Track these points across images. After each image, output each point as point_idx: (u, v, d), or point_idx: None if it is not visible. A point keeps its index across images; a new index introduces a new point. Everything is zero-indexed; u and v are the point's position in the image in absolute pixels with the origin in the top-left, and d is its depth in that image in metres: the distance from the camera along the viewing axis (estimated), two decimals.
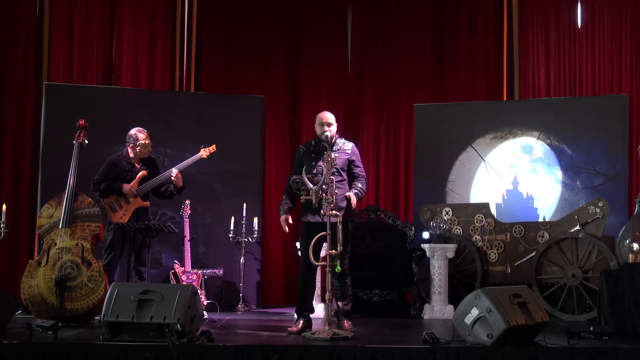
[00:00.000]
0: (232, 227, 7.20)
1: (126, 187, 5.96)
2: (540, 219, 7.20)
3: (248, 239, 7.26)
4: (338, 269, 4.97)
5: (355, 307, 5.84)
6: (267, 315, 6.91)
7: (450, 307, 6.41)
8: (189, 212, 6.71)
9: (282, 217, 5.52)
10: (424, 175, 7.74)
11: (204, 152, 6.34)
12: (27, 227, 7.49)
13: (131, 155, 6.10)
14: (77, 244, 5.68)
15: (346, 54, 8.53)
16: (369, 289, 6.81)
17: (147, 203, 6.11)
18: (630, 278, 5.37)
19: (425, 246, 6.64)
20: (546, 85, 8.11)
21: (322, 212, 5.08)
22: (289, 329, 5.37)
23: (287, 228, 5.56)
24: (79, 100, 7.18)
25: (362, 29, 8.54)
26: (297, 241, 5.90)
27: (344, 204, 5.34)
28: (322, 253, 5.46)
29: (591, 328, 4.89)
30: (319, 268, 5.92)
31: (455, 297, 6.49)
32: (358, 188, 5.40)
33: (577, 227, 6.55)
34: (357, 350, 4.52)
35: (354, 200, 5.32)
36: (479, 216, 6.97)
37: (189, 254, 6.61)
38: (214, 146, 6.38)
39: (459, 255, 6.82)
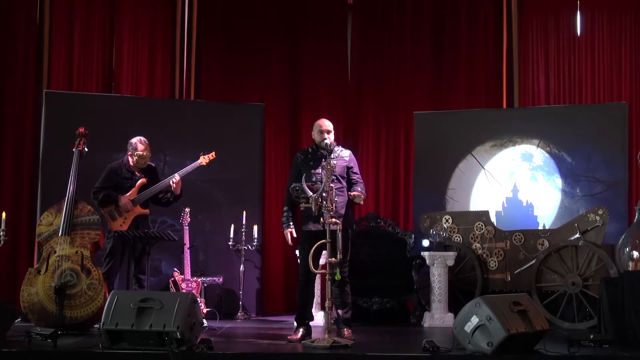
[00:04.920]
0: (231, 235, 7.20)
1: (122, 200, 5.96)
2: (540, 227, 7.20)
3: (248, 247, 7.26)
4: (338, 276, 4.97)
5: (355, 315, 5.85)
6: (266, 323, 6.91)
7: (450, 315, 6.41)
8: (189, 219, 6.71)
9: (286, 231, 5.51)
10: (423, 183, 7.75)
11: (203, 160, 6.34)
12: (27, 234, 7.51)
13: (131, 163, 6.11)
14: (76, 252, 5.69)
15: (346, 62, 8.56)
16: (368, 297, 6.82)
17: (147, 211, 6.12)
18: (630, 286, 5.35)
19: (425, 254, 6.64)
20: (546, 93, 8.13)
21: (322, 219, 5.08)
22: (288, 337, 5.37)
23: (291, 241, 5.55)
24: (79, 108, 7.20)
25: (362, 37, 8.57)
26: (297, 249, 5.89)
27: (343, 211, 5.36)
28: (322, 261, 5.46)
29: (591, 336, 4.88)
30: (318, 276, 5.92)
31: (455, 305, 6.48)
32: (359, 190, 5.42)
33: (577, 235, 6.55)
34: (356, 358, 4.55)
35: (359, 196, 5.33)
36: (479, 224, 6.98)
37: (189, 262, 6.62)
38: (213, 153, 6.39)
39: (458, 263, 6.82)
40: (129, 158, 6.10)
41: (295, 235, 5.53)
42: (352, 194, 5.37)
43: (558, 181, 7.38)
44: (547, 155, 7.43)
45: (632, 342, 5.14)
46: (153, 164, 6.34)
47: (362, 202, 5.51)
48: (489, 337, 4.45)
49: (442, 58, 8.43)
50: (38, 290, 5.60)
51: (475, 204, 7.52)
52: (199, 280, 6.66)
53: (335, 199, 5.13)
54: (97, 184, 6.04)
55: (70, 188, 5.82)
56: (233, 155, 7.38)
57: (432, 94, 8.38)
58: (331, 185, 5.08)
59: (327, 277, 5.03)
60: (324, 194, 5.02)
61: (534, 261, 6.64)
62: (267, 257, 7.95)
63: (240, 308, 7.18)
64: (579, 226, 6.58)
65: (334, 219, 4.99)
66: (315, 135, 5.54)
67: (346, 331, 5.34)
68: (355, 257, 5.98)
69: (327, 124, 5.51)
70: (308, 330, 5.40)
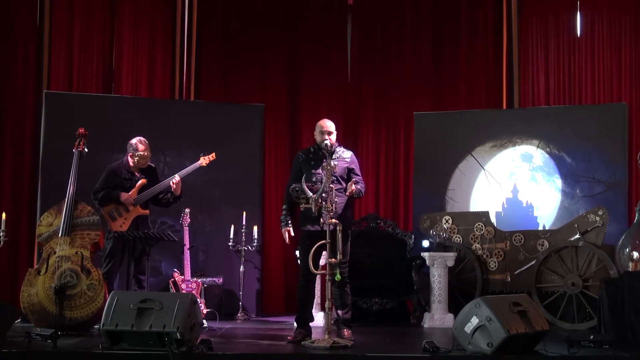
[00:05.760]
0: (231, 236, 7.22)
1: (124, 195, 5.99)
2: (540, 228, 7.23)
3: (248, 248, 7.27)
4: (338, 277, 4.99)
5: (355, 315, 5.86)
6: (266, 323, 6.93)
7: (450, 315, 6.42)
8: (189, 220, 6.75)
9: (284, 230, 5.53)
10: (423, 184, 7.77)
11: (203, 160, 6.36)
12: (27, 235, 7.51)
13: (131, 164, 6.13)
14: (76, 253, 5.70)
15: (346, 63, 8.58)
16: (368, 298, 6.84)
17: (147, 211, 6.13)
18: (630, 286, 5.39)
19: (425, 254, 6.66)
20: (546, 93, 8.14)
21: (321, 220, 5.09)
22: (288, 337, 5.39)
23: (288, 240, 5.56)
24: (79, 108, 7.20)
25: (361, 38, 8.59)
26: (297, 250, 5.91)
27: (343, 212, 5.34)
28: (322, 261, 5.47)
29: (591, 337, 4.91)
30: (318, 276, 5.93)
31: (455, 305, 6.51)
32: (357, 188, 5.38)
33: (577, 236, 6.56)
34: (356, 358, 4.58)
35: (353, 187, 5.27)
36: (479, 224, 6.99)
37: (189, 263, 6.64)
38: (213, 154, 6.41)
39: (458, 263, 6.84)
40: (129, 159, 6.12)
41: (293, 234, 5.55)
42: (350, 184, 5.32)
43: (558, 182, 7.40)
44: (547, 155, 7.44)
45: (632, 342, 5.17)
46: (153, 165, 6.36)
47: (353, 189, 5.31)
48: (489, 338, 4.47)
49: (442, 59, 8.45)
50: (38, 290, 5.61)
51: (475, 205, 7.54)
52: (199, 280, 6.69)
53: (335, 200, 5.14)
54: (97, 184, 6.06)
55: (70, 189, 5.83)
56: (233, 155, 7.39)
57: (432, 94, 8.40)
58: (331, 186, 5.09)
59: (327, 278, 5.04)
60: (323, 195, 5.04)
61: (534, 262, 6.66)
62: (267, 257, 7.97)
63: (240, 309, 7.19)
64: (579, 227, 6.59)
65: (333, 220, 5.00)
66: (316, 135, 5.55)
67: (346, 332, 5.34)
68: (355, 258, 5.99)
69: (328, 125, 5.51)
70: (308, 331, 5.41)
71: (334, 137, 5.51)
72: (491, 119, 7.80)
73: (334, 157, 5.39)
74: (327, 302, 5.05)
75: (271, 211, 8.12)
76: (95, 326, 5.54)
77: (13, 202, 7.53)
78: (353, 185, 5.31)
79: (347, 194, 5.34)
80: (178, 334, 4.41)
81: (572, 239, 6.57)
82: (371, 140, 8.47)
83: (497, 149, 7.61)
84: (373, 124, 8.49)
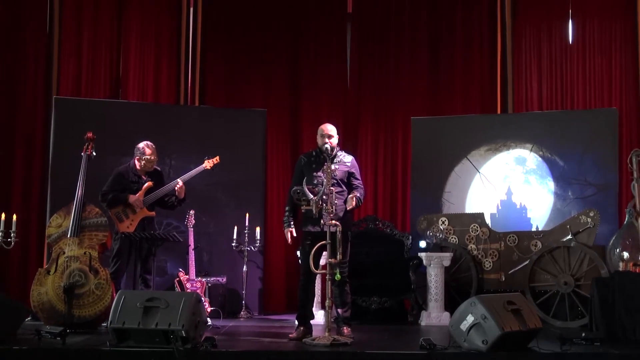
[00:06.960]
0: (235, 237, 7.28)
1: (132, 198, 6.08)
2: (534, 229, 7.29)
3: (250, 248, 7.35)
4: (337, 277, 5.05)
5: (354, 313, 5.92)
6: (268, 321, 7.00)
7: (447, 313, 6.49)
8: (194, 221, 6.84)
9: (286, 230, 5.61)
10: (420, 186, 7.83)
11: (207, 164, 6.44)
12: (37, 236, 7.59)
13: (138, 167, 6.22)
14: (84, 253, 5.79)
15: (345, 70, 8.62)
16: (367, 296, 6.91)
17: (153, 213, 6.21)
18: (620, 285, 5.43)
19: (422, 255, 6.73)
20: (539, 99, 8.21)
21: (322, 221, 5.19)
22: (289, 335, 5.46)
23: (290, 240, 5.65)
24: (87, 113, 7.28)
25: (360, 45, 8.63)
26: (298, 250, 5.99)
27: (342, 213, 5.43)
28: (322, 261, 5.57)
29: (583, 334, 5.01)
30: (319, 276, 6.01)
31: (451, 304, 6.57)
32: (357, 196, 5.47)
33: (569, 236, 6.63)
34: (356, 355, 4.63)
35: (354, 202, 5.38)
36: (474, 226, 7.06)
37: (193, 263, 6.74)
38: (217, 158, 6.49)
39: (454, 263, 6.89)
40: (136, 162, 6.21)
41: (295, 234, 5.62)
42: (350, 196, 5.41)
43: (550, 184, 7.45)
44: (540, 159, 7.50)
45: (622, 339, 5.22)
46: (159, 168, 6.43)
47: (353, 204, 5.43)
48: (484, 335, 4.53)
49: (438, 65, 8.49)
50: (48, 289, 5.69)
51: (471, 206, 7.60)
52: (203, 280, 6.77)
53: (335, 202, 5.22)
54: (105, 187, 6.14)
55: (79, 191, 5.92)
56: (236, 159, 7.46)
57: (429, 100, 8.44)
58: (331, 188, 5.17)
59: (327, 277, 5.11)
60: (324, 197, 5.12)
61: (527, 262, 6.72)
62: (269, 257, 8.02)
63: (243, 307, 7.26)
64: (571, 228, 6.66)
65: (333, 221, 5.08)
66: (318, 139, 5.63)
67: (346, 329, 5.44)
68: (355, 258, 6.01)
69: (329, 128, 5.60)
70: (309, 329, 5.47)
71: (334, 140, 5.58)
72: (486, 124, 7.85)
73: (335, 161, 5.46)
74: (327, 301, 5.10)
75: (273, 212, 8.18)
76: (103, 324, 5.60)
77: (24, 204, 7.60)
78: (354, 200, 5.39)
79: (348, 208, 5.41)
80: (183, 331, 4.48)
81: (565, 239, 6.64)
82: (370, 144, 8.50)
83: (491, 152, 7.67)
84: (372, 128, 8.52)
